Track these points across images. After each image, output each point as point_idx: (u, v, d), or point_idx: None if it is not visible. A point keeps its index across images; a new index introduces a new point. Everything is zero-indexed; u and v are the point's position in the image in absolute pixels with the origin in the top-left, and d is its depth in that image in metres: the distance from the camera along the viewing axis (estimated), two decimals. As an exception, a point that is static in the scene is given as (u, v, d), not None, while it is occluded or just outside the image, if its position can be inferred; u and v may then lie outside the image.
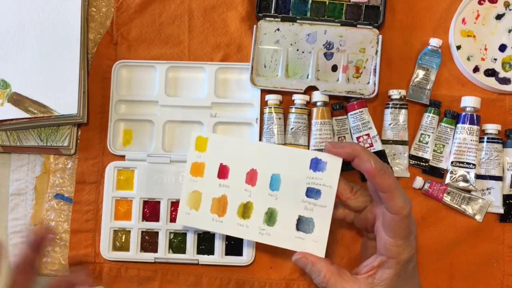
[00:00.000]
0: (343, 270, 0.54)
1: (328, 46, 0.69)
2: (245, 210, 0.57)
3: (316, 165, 0.56)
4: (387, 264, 0.51)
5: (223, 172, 0.58)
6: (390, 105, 0.68)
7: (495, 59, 0.70)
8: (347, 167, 0.57)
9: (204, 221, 0.58)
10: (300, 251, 0.55)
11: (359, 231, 0.65)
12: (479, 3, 0.71)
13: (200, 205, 0.59)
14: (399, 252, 0.51)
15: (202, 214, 0.58)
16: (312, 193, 0.56)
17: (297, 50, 0.70)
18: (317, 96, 0.68)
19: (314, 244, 0.55)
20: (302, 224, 0.56)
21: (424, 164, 0.68)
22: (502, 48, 0.70)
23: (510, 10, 0.70)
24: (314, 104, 0.69)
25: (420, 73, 0.69)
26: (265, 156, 0.57)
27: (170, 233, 0.68)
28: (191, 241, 0.67)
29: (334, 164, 0.55)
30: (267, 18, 0.70)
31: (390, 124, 0.67)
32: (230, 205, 0.58)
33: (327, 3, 0.70)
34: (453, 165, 0.67)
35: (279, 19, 0.70)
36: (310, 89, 0.69)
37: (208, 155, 0.59)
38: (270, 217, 0.57)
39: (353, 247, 0.67)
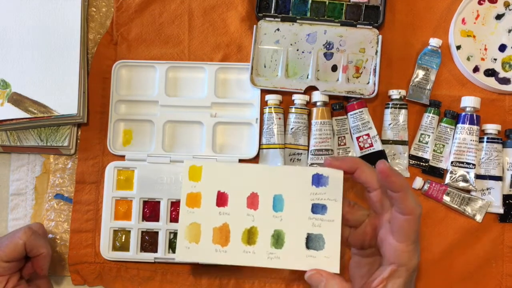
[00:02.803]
0: None
1: (328, 46, 0.69)
2: (250, 236, 0.55)
3: (318, 180, 0.55)
4: (397, 273, 0.50)
5: (221, 199, 0.56)
6: (390, 105, 0.68)
7: (495, 59, 0.70)
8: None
9: (206, 254, 0.55)
10: (313, 268, 0.53)
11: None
12: (479, 3, 0.71)
13: (200, 237, 0.55)
14: (410, 258, 0.50)
15: (204, 246, 0.55)
16: (318, 209, 0.54)
17: (297, 50, 0.70)
18: (317, 96, 0.68)
19: (327, 260, 0.53)
20: (312, 241, 0.54)
21: (424, 164, 0.68)
22: (502, 48, 0.70)
23: (510, 10, 0.70)
24: (314, 104, 0.69)
25: (420, 73, 0.69)
26: (265, 178, 0.55)
27: (170, 233, 0.68)
28: (191, 241, 0.67)
29: (336, 177, 0.54)
30: (267, 18, 0.70)
31: (390, 124, 0.67)
32: (233, 232, 0.55)
33: (327, 3, 0.70)
34: (453, 165, 0.67)
35: (279, 19, 0.70)
36: (310, 89, 0.69)
37: (203, 184, 0.56)
38: (278, 240, 0.54)
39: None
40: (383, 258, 0.52)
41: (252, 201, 0.55)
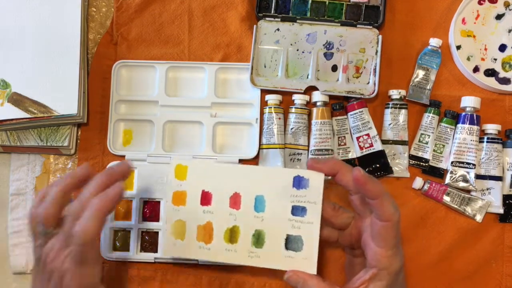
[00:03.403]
0: (335, 286, 0.52)
1: (328, 46, 0.69)
2: (232, 235, 0.57)
3: (299, 182, 0.56)
4: (379, 276, 0.50)
5: (205, 198, 0.58)
6: (390, 105, 0.68)
7: (495, 59, 0.70)
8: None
9: (191, 250, 0.58)
10: (291, 269, 0.55)
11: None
12: (479, 3, 0.71)
13: (185, 234, 0.58)
14: (390, 263, 0.50)
15: (188, 243, 0.58)
16: (297, 211, 0.55)
17: (297, 50, 0.70)
18: (317, 96, 0.68)
19: (305, 261, 0.55)
20: (291, 243, 0.56)
21: (424, 164, 0.68)
22: (502, 48, 0.70)
23: (510, 10, 0.70)
24: (314, 104, 0.69)
25: (420, 73, 0.69)
26: (247, 179, 0.57)
27: (170, 233, 0.68)
28: (191, 241, 0.67)
29: (316, 180, 0.55)
30: (267, 18, 0.70)
31: (390, 124, 0.67)
32: (216, 231, 0.57)
33: (327, 3, 0.70)
34: (453, 165, 0.67)
35: (279, 19, 0.70)
36: (310, 89, 0.69)
37: (189, 183, 0.58)
38: (258, 239, 0.56)
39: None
40: (366, 260, 0.52)
41: (235, 201, 0.57)
